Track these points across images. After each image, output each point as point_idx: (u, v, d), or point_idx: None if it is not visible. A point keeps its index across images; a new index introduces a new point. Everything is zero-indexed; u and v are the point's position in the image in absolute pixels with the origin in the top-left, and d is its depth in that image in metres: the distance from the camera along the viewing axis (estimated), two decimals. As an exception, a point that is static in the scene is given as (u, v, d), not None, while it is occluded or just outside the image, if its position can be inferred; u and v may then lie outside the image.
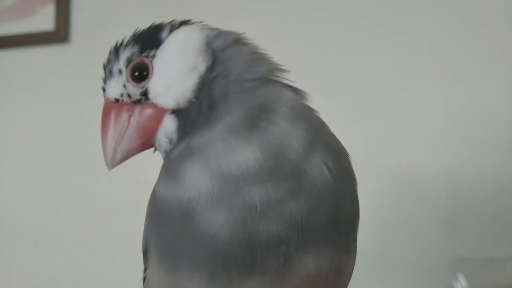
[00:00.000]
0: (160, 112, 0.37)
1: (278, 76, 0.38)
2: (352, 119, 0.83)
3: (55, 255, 0.99)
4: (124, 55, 0.38)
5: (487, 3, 0.80)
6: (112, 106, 0.38)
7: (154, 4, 0.97)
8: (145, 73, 0.37)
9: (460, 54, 0.80)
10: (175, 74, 0.37)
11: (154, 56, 0.37)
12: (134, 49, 0.38)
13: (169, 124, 0.37)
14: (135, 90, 0.37)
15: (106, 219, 0.97)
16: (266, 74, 0.38)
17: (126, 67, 0.37)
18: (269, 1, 0.90)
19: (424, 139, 0.81)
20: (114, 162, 0.37)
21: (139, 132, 0.37)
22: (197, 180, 0.33)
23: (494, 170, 0.77)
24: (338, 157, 0.36)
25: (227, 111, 0.35)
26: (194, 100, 0.36)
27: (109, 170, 0.38)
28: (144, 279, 0.40)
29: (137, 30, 0.39)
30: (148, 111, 0.37)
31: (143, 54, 0.37)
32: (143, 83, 0.37)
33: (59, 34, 1.02)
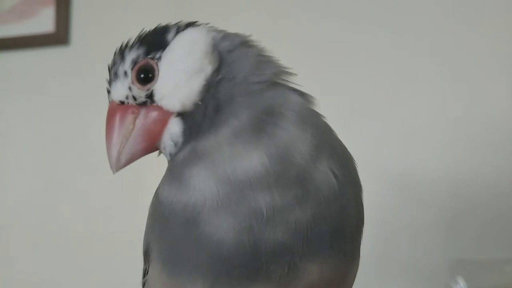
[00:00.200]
0: (165, 115, 0.36)
1: (285, 79, 0.38)
2: (352, 119, 0.83)
3: (55, 255, 0.99)
4: (130, 57, 0.37)
5: (488, 3, 0.80)
6: (117, 109, 0.37)
7: (155, 6, 0.97)
8: (150, 75, 0.37)
9: (461, 54, 0.80)
10: (181, 77, 0.36)
11: (160, 58, 0.37)
12: (140, 51, 0.37)
13: (174, 127, 0.36)
14: (140, 93, 0.37)
15: (106, 220, 0.97)
16: (272, 77, 0.37)
17: (132, 69, 0.37)
18: (269, 1, 0.91)
19: (424, 140, 0.80)
20: (118, 165, 0.37)
21: (144, 135, 0.37)
22: (203, 184, 0.33)
23: (494, 172, 0.77)
24: (344, 163, 0.36)
25: (233, 114, 0.35)
26: (200, 103, 0.36)
27: (114, 173, 0.37)
28: (144, 283, 0.40)
29: (143, 32, 0.39)
30: (154, 114, 0.37)
31: (149, 56, 0.37)
32: (148, 85, 0.37)
33: (59, 36, 1.02)
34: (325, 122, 0.37)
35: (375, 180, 0.79)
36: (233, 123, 0.34)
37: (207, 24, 0.39)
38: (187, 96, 0.36)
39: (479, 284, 0.64)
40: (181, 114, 0.36)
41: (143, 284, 0.41)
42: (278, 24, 0.89)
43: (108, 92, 0.39)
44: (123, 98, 0.37)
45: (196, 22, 0.39)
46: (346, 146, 0.38)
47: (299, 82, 0.38)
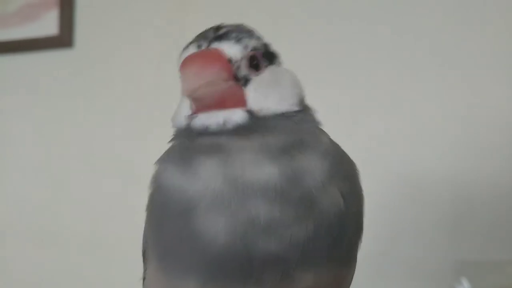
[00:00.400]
0: (240, 102, 0.36)
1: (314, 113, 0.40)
2: (353, 119, 0.83)
3: (55, 255, 1.00)
4: (256, 41, 0.38)
5: (488, 3, 0.79)
6: (223, 57, 0.36)
7: (157, 8, 0.97)
8: (257, 70, 0.37)
9: (461, 54, 0.80)
10: (275, 93, 0.37)
11: (266, 66, 0.38)
12: (260, 47, 0.38)
13: (236, 115, 0.35)
14: (243, 70, 0.37)
15: (106, 220, 0.97)
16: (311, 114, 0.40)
17: (251, 50, 0.37)
18: (269, 1, 0.91)
19: (428, 141, 0.80)
20: (194, 94, 0.35)
21: (218, 98, 0.35)
22: (209, 178, 0.33)
23: (498, 173, 0.76)
24: (353, 184, 0.37)
25: (273, 134, 0.35)
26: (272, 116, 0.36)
27: (184, 96, 0.36)
28: (144, 279, 0.40)
29: (262, 37, 0.40)
30: (238, 92, 0.36)
31: (264, 58, 0.38)
32: (250, 72, 0.37)
33: (63, 39, 1.03)
34: (344, 152, 0.38)
35: (378, 181, 0.79)
36: (268, 140, 0.34)
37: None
38: (271, 106, 0.36)
39: (483, 285, 0.63)
40: (250, 111, 0.36)
41: (143, 283, 0.41)
42: (278, 24, 0.89)
43: (208, 39, 0.37)
44: (233, 57, 0.36)
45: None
46: (349, 148, 0.39)
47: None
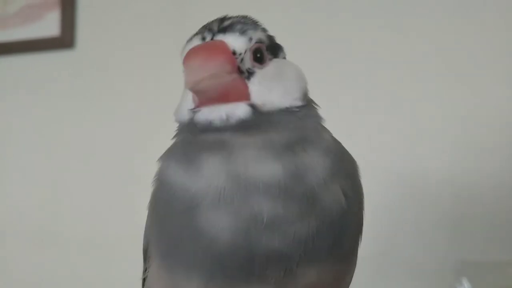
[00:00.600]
0: (244, 96, 0.35)
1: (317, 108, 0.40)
2: (354, 119, 0.83)
3: (55, 255, 1.00)
4: (260, 34, 0.38)
5: (488, 3, 0.79)
6: (228, 49, 0.36)
7: (158, 9, 0.98)
8: (261, 63, 0.37)
9: (461, 55, 0.80)
10: (279, 87, 0.37)
11: (270, 59, 0.38)
12: (265, 39, 0.38)
13: (239, 110, 0.35)
14: (247, 63, 0.37)
15: (106, 220, 0.97)
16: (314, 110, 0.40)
17: (256, 42, 0.37)
18: (269, 1, 0.91)
19: (428, 141, 0.80)
20: (195, 87, 0.34)
21: (221, 91, 0.35)
22: (212, 175, 0.33)
23: (499, 173, 0.76)
24: (354, 182, 0.37)
25: (277, 130, 0.35)
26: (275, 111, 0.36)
27: (187, 88, 0.35)
28: (144, 279, 0.40)
29: (267, 30, 0.40)
30: (241, 85, 0.36)
31: (268, 50, 0.38)
32: (254, 64, 0.37)
33: (64, 40, 1.03)
34: (345, 149, 0.38)
35: (379, 181, 0.79)
36: (272, 136, 0.34)
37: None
38: (274, 101, 0.36)
39: (483, 286, 0.63)
40: (253, 106, 0.35)
41: (143, 282, 0.41)
42: (278, 24, 0.88)
43: (213, 31, 0.37)
44: (237, 50, 0.36)
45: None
46: (349, 148, 0.39)
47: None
